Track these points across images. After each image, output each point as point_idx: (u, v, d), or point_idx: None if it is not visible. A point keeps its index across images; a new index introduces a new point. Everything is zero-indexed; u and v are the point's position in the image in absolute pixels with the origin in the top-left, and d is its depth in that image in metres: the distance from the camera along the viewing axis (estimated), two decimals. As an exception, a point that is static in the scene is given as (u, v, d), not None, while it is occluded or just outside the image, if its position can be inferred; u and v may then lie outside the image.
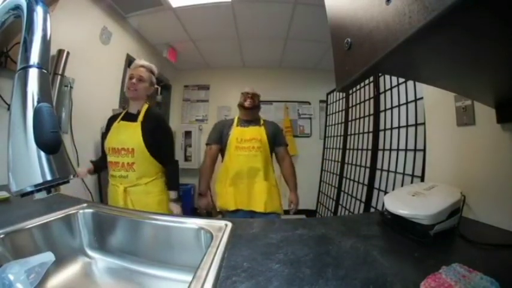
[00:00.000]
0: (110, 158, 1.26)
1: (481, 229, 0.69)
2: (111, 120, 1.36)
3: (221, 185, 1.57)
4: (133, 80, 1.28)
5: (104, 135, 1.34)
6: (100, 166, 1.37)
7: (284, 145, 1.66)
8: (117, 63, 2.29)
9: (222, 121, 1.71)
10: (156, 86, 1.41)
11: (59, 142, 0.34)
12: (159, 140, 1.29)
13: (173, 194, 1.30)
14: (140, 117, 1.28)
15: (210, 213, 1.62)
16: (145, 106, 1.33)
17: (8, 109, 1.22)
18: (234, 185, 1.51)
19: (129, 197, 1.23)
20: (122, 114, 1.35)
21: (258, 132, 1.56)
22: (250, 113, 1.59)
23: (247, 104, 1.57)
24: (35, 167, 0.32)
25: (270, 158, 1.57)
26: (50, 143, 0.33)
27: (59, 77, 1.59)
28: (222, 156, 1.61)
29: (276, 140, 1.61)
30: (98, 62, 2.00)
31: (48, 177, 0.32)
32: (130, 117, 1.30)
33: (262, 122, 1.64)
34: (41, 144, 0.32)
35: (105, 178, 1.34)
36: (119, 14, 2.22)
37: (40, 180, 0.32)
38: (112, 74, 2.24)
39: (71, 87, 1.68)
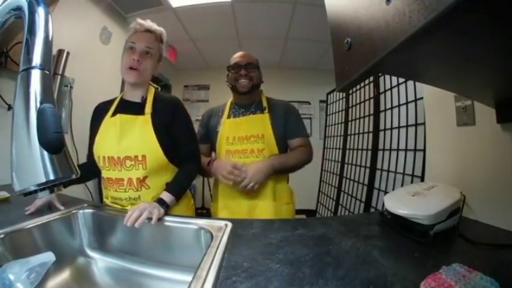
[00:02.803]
0: (105, 174, 0.84)
1: (481, 229, 0.69)
2: (99, 112, 0.92)
3: (214, 201, 1.13)
4: (136, 56, 0.84)
5: (91, 135, 0.90)
6: (81, 176, 0.79)
7: (301, 135, 1.08)
8: (117, 63, 2.28)
9: (211, 109, 1.20)
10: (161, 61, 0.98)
11: (62, 142, 0.34)
12: (178, 134, 0.89)
13: (167, 196, 0.78)
14: (148, 108, 0.86)
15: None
16: (153, 90, 0.93)
17: (8, 109, 1.23)
18: (227, 208, 1.04)
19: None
20: (115, 103, 0.90)
21: (260, 124, 1.04)
22: (247, 96, 1.09)
23: (241, 87, 1.06)
24: (38, 166, 0.32)
25: None
26: (53, 143, 0.33)
27: (59, 77, 1.59)
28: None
29: (288, 128, 1.07)
30: (98, 62, 2.00)
31: (52, 177, 0.32)
32: (132, 108, 0.87)
33: (266, 104, 1.10)
34: (44, 144, 0.32)
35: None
36: (119, 14, 2.22)
37: (43, 180, 0.32)
38: (112, 74, 2.23)
39: (71, 87, 1.69)
